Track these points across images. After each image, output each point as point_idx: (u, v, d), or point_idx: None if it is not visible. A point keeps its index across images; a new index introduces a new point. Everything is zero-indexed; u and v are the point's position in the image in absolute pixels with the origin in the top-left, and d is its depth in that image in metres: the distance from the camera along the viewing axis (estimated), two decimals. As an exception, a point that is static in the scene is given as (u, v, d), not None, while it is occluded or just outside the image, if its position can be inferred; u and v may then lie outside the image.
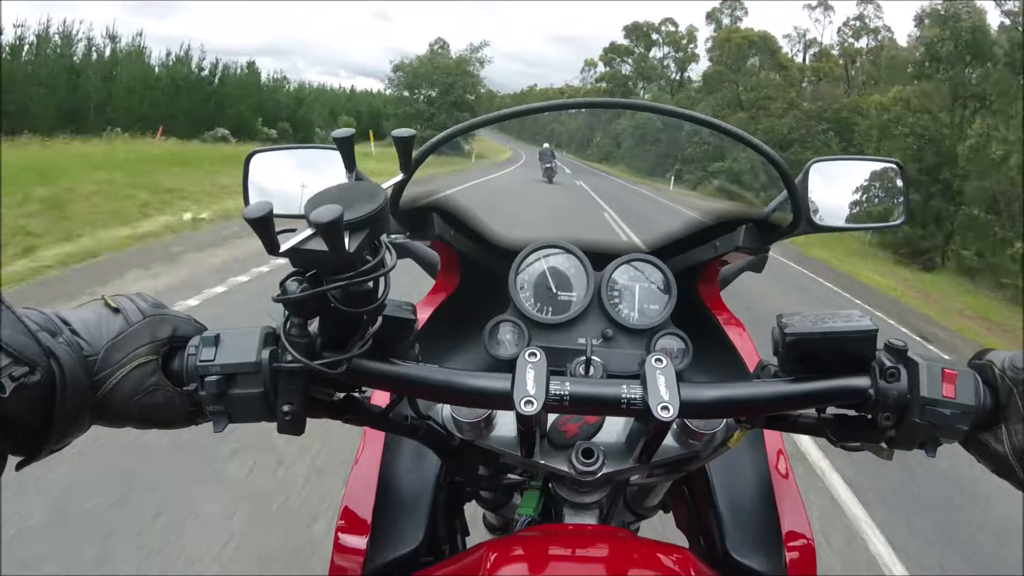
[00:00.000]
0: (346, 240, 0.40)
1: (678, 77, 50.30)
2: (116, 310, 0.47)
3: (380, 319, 0.46)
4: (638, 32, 51.80)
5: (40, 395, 0.41)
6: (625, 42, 52.35)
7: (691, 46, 49.95)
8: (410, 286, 0.75)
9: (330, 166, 0.72)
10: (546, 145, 22.58)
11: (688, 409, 0.49)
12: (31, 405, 0.40)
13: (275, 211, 0.72)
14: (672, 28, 50.86)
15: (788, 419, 0.57)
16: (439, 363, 0.78)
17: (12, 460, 0.43)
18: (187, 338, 0.48)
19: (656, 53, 51.93)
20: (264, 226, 0.39)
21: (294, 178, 0.78)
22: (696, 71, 47.04)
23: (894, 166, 0.91)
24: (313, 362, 0.44)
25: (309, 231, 0.40)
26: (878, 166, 0.91)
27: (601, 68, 54.32)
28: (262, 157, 0.80)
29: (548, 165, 21.00)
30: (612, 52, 53.08)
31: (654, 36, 51.47)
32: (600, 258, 0.82)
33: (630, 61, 52.10)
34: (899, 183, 0.91)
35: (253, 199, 0.78)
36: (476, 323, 0.79)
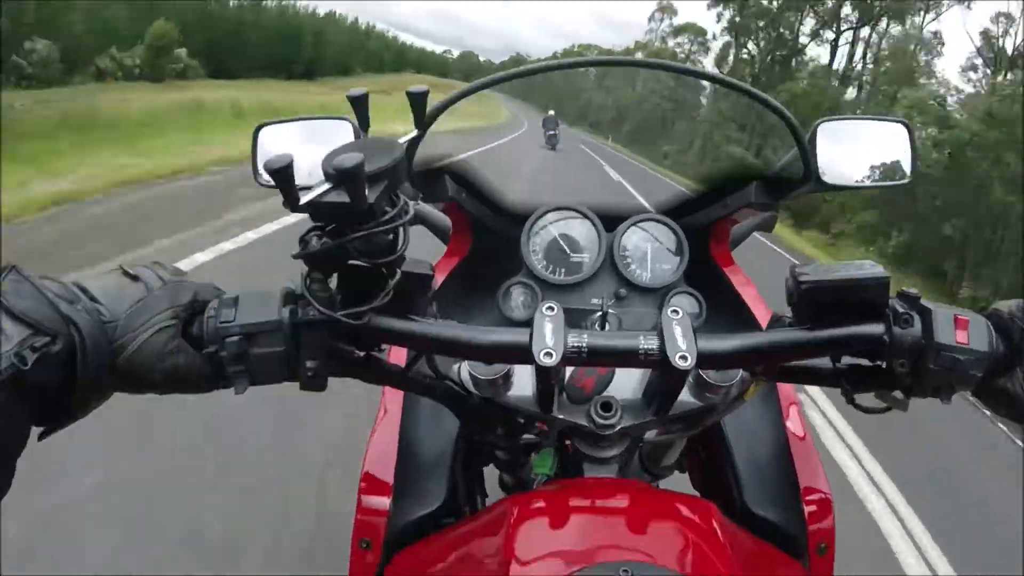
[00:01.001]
0: (366, 190, 0.40)
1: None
2: (135, 277, 0.47)
3: (399, 273, 0.47)
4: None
5: (62, 363, 0.41)
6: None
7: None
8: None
9: (341, 136, 0.73)
10: (551, 112, 22.34)
11: (705, 359, 0.50)
12: (53, 374, 0.41)
13: None
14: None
15: (803, 370, 0.58)
16: None
17: (35, 430, 0.43)
18: (207, 302, 0.49)
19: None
20: (285, 178, 0.39)
21: (304, 149, 0.78)
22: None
23: (902, 125, 0.91)
24: (336, 313, 0.45)
25: (328, 184, 0.41)
26: (886, 126, 0.91)
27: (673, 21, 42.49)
28: (270, 129, 0.80)
29: (552, 132, 20.82)
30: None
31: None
32: (612, 220, 0.82)
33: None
34: (907, 143, 0.91)
35: (262, 170, 0.78)
36: (489, 286, 0.79)
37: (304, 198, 0.41)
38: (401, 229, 0.44)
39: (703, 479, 0.84)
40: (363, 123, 0.49)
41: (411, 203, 0.45)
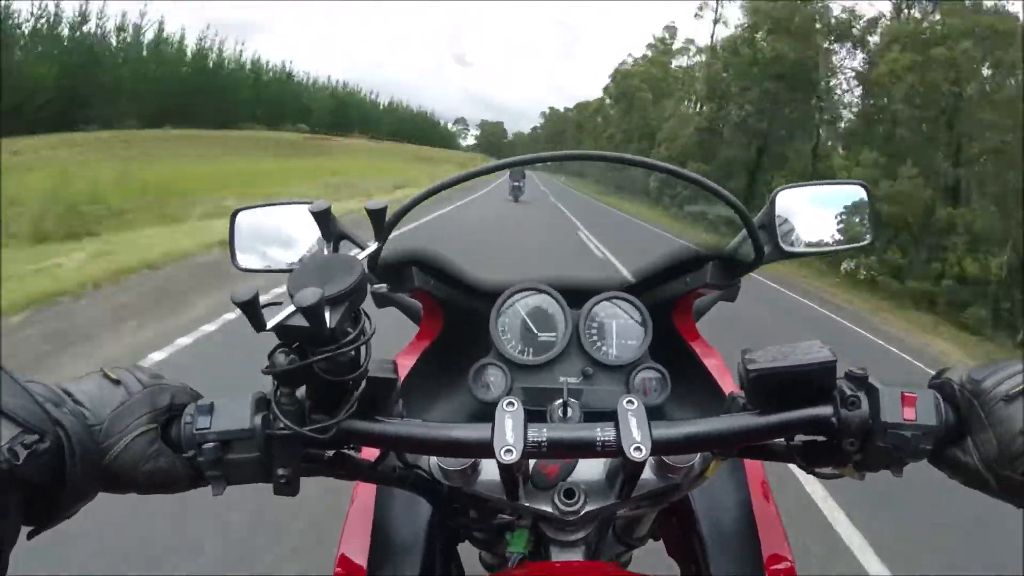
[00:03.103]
0: (327, 315, 0.42)
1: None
2: (116, 381, 0.49)
3: (364, 382, 0.49)
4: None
5: (50, 463, 0.42)
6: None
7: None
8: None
9: (310, 220, 0.75)
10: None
11: (660, 447, 0.51)
12: (43, 473, 0.42)
13: (261, 266, 0.75)
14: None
15: (759, 448, 0.59)
16: (427, 409, 0.80)
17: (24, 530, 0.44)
18: (183, 406, 0.51)
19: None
20: (251, 308, 0.41)
21: (278, 233, 0.81)
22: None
23: (860, 187, 0.94)
24: (303, 428, 0.47)
25: (292, 308, 0.43)
26: (844, 188, 0.94)
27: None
28: (247, 214, 0.83)
29: (516, 183, 19.54)
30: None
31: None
32: (578, 296, 0.84)
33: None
34: (865, 204, 0.93)
35: (239, 254, 0.81)
36: (461, 367, 0.81)
37: (270, 322, 0.43)
38: (363, 347, 0.46)
39: (677, 547, 0.84)
40: (327, 236, 0.52)
41: (371, 320, 0.47)
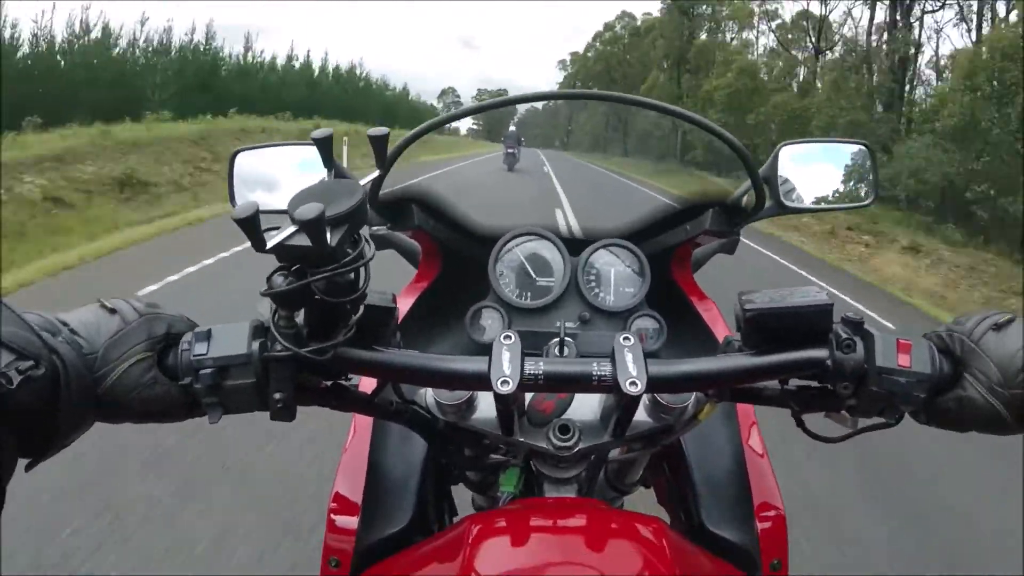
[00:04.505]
0: (328, 235, 0.42)
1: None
2: (112, 310, 0.49)
3: (362, 308, 0.49)
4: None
5: (45, 390, 0.42)
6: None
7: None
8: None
9: (311, 161, 0.75)
10: (513, 128, 21.33)
11: (655, 383, 0.52)
12: (37, 400, 0.42)
13: (261, 207, 0.75)
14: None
15: (753, 391, 0.60)
16: (423, 349, 0.81)
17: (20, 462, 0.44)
18: (181, 335, 0.51)
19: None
20: (250, 225, 0.41)
21: (277, 174, 0.80)
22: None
23: (863, 147, 0.94)
24: (301, 350, 0.47)
25: (293, 228, 0.42)
26: (847, 148, 0.94)
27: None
28: (246, 155, 0.82)
29: (511, 150, 18.32)
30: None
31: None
32: (577, 243, 0.84)
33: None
34: (868, 164, 0.93)
35: (238, 195, 0.80)
36: (458, 308, 0.81)
37: (270, 242, 0.43)
38: (362, 268, 0.46)
39: (668, 494, 0.85)
40: (327, 162, 0.51)
41: (372, 242, 0.47)
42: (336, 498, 0.72)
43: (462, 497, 0.89)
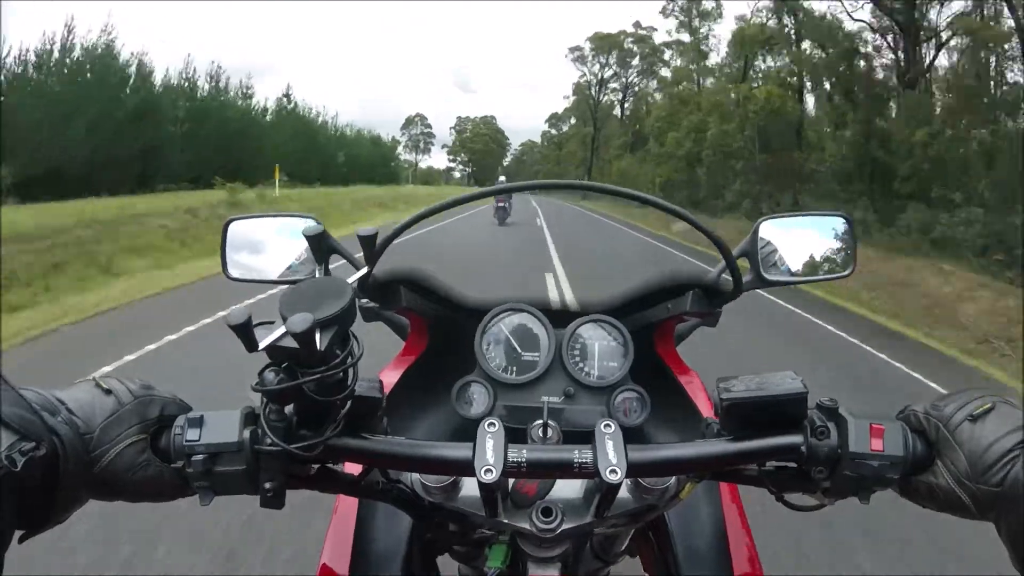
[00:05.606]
0: (317, 338, 0.44)
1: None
2: (108, 391, 0.51)
3: (350, 402, 0.50)
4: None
5: (45, 469, 0.44)
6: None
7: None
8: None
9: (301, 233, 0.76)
10: (502, 178, 20.55)
11: (635, 469, 0.53)
12: (37, 479, 0.43)
13: (253, 277, 0.76)
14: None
15: (732, 472, 0.61)
16: (410, 424, 0.81)
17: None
18: (174, 417, 0.52)
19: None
20: (244, 331, 0.43)
21: (269, 244, 0.82)
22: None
23: (842, 219, 0.96)
24: (290, 445, 0.48)
25: (283, 329, 0.44)
26: (827, 220, 0.97)
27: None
28: (239, 224, 0.84)
29: (502, 204, 17.23)
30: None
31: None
32: (562, 317, 0.86)
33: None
34: (847, 235, 0.96)
35: (230, 265, 0.81)
36: (446, 382, 0.82)
37: (262, 343, 0.44)
38: (351, 368, 0.48)
39: (653, 564, 0.86)
40: (319, 258, 0.53)
41: (359, 342, 0.48)
42: (323, 570, 0.72)
43: (448, 565, 0.88)
